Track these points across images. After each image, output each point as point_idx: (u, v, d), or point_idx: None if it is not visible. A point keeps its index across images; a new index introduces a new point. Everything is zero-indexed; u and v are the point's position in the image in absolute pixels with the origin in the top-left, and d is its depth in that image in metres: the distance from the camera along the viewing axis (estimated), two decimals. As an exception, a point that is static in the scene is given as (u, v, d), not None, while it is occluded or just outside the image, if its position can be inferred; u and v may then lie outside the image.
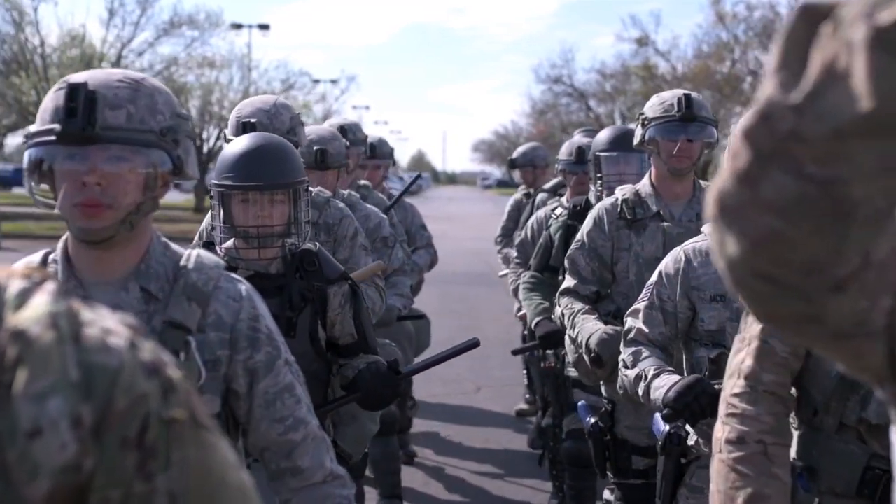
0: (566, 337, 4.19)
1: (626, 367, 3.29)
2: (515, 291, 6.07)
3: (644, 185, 4.11)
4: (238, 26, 43.39)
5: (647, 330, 3.29)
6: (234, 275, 2.24)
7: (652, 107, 4.07)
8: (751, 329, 2.40)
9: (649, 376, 3.17)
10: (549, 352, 5.48)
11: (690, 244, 3.29)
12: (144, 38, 36.16)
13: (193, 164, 2.14)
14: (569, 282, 4.18)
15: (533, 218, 6.29)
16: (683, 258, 3.26)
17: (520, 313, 8.13)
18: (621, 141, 4.78)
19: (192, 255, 2.19)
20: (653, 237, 4.02)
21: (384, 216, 4.98)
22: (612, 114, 47.60)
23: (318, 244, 3.33)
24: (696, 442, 3.24)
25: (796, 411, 2.53)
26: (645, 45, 42.98)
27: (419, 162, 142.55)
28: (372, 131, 7.07)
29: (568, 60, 66.18)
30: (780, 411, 2.39)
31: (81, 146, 2.00)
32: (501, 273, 8.26)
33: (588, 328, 3.95)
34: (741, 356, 2.41)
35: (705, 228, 3.21)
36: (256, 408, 2.23)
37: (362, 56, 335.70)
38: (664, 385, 3.08)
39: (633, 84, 45.32)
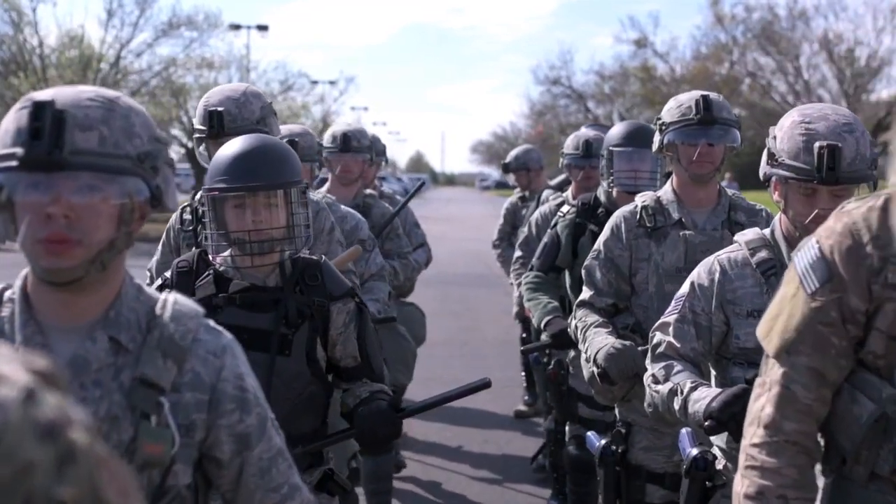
0: (560, 363, 4.01)
1: (656, 381, 3.05)
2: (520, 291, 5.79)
3: (666, 192, 3.90)
4: (237, 27, 43.37)
5: (678, 344, 3.05)
6: (214, 324, 1.96)
7: (669, 110, 3.85)
8: (771, 373, 2.20)
9: (685, 389, 2.93)
10: (552, 360, 5.38)
11: (725, 254, 3.06)
12: (143, 39, 36.11)
13: (173, 194, 1.89)
14: (585, 293, 3.95)
15: (536, 214, 6.05)
16: (718, 269, 3.03)
17: (516, 311, 8.19)
18: (635, 136, 4.61)
19: (168, 301, 1.91)
20: (674, 246, 3.79)
21: (362, 218, 4.83)
22: (610, 115, 47.60)
23: (323, 256, 3.16)
24: (725, 466, 3.05)
25: (823, 460, 2.30)
26: (643, 46, 43.02)
27: (418, 163, 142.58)
28: (370, 132, 6.86)
29: (566, 62, 66.30)
30: (803, 463, 2.19)
31: (47, 173, 1.73)
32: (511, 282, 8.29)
33: (597, 342, 3.73)
34: (761, 402, 2.20)
35: (739, 238, 3.07)
36: (250, 477, 2.00)
37: (360, 56, 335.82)
38: (706, 396, 2.84)
39: (631, 85, 45.38)
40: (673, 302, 3.12)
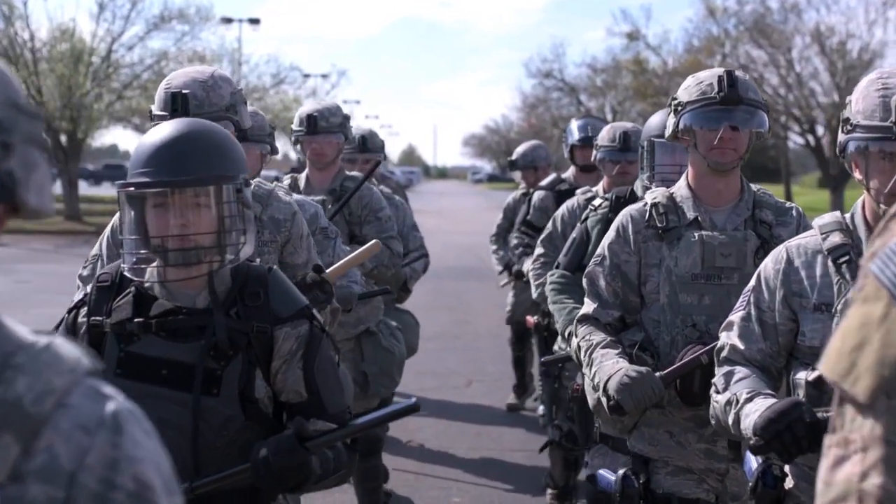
0: (583, 376, 3.49)
1: (716, 391, 2.71)
2: (541, 292, 5.26)
3: (679, 188, 3.39)
4: (228, 20, 43.27)
5: (742, 346, 2.70)
6: (101, 385, 1.19)
7: (687, 89, 3.33)
8: (861, 426, 1.58)
9: (741, 400, 2.59)
10: (561, 367, 5.11)
11: (795, 241, 2.69)
12: (134, 33, 35.96)
13: (41, 188, 1.21)
14: (587, 306, 3.43)
15: (563, 208, 5.46)
16: (785, 257, 2.67)
17: (508, 310, 8.11)
18: None
19: (34, 346, 1.15)
20: (689, 250, 3.27)
21: (319, 206, 4.39)
22: (602, 108, 47.65)
23: (274, 267, 2.64)
24: (795, 486, 2.68)
25: None
26: (636, 39, 42.98)
27: (410, 156, 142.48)
28: (363, 125, 6.78)
29: (559, 55, 66.28)
30: None
31: None
32: (503, 283, 8.19)
33: (606, 368, 3.23)
34: (855, 470, 1.59)
35: (815, 222, 2.68)
36: None
37: (352, 50, 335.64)
38: (756, 410, 2.50)
39: (623, 78, 45.35)
40: (741, 297, 2.77)
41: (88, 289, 2.64)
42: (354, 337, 5.25)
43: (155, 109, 3.44)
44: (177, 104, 3.35)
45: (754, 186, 3.42)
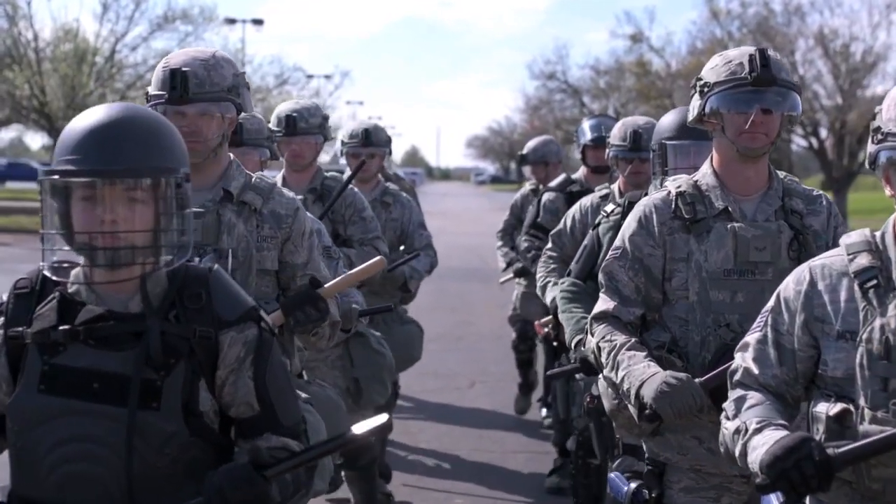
0: (601, 379, 3.29)
1: (726, 417, 2.47)
2: (544, 289, 5.14)
3: (705, 175, 3.16)
4: (232, 21, 43.32)
5: (756, 370, 2.46)
6: None
7: (714, 69, 3.11)
8: None
9: (750, 430, 2.35)
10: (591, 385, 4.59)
11: (819, 260, 2.43)
12: (138, 33, 36.01)
13: None
14: (605, 303, 3.18)
15: (577, 207, 5.18)
16: (808, 278, 2.40)
17: (512, 312, 7.92)
18: (693, 127, 3.84)
19: None
20: (720, 243, 3.06)
21: (321, 224, 4.09)
22: (606, 110, 47.59)
23: (215, 266, 2.37)
24: None
25: None
26: (639, 41, 42.98)
27: (413, 157, 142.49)
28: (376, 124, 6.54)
29: (562, 56, 66.17)
30: None
31: None
32: (502, 280, 8.04)
33: (638, 372, 2.99)
34: None
35: (843, 240, 2.42)
36: None
37: (354, 50, 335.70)
38: (764, 444, 2.27)
39: (627, 80, 45.35)
40: (758, 317, 2.52)
41: (5, 297, 2.35)
42: (342, 342, 4.85)
43: (151, 90, 3.22)
44: (175, 82, 3.13)
45: (780, 173, 3.22)
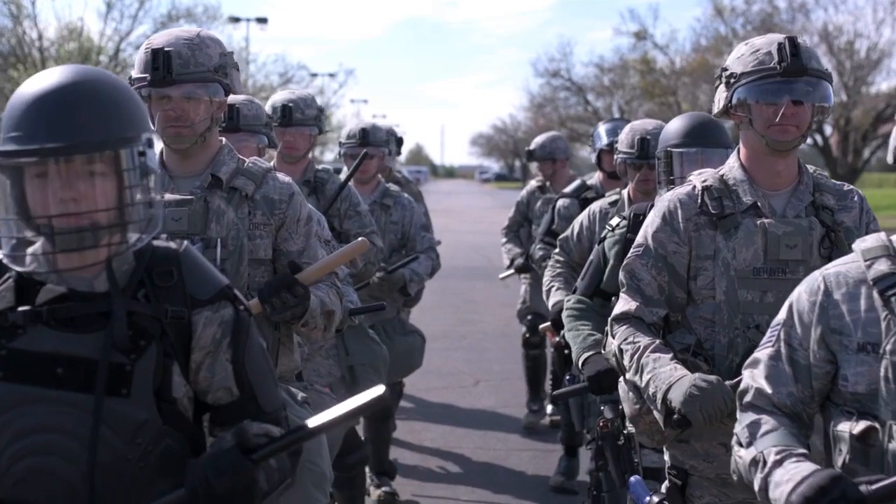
0: (622, 382, 3.12)
1: (739, 444, 2.27)
2: (549, 293, 4.95)
3: (731, 169, 3.02)
4: (236, 20, 43.36)
5: (770, 390, 2.26)
6: None
7: (741, 58, 2.96)
8: None
9: (769, 462, 2.15)
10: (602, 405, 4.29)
11: (833, 268, 2.24)
12: (142, 32, 35.97)
13: None
14: (626, 303, 3.03)
15: (584, 214, 4.94)
16: (822, 287, 2.22)
17: (521, 305, 7.71)
18: (701, 133, 3.75)
19: None
20: (749, 240, 2.92)
21: (322, 216, 3.98)
22: (610, 107, 47.60)
23: (185, 242, 2.19)
24: None
25: None
26: (643, 38, 42.96)
27: (417, 156, 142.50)
28: (384, 124, 6.38)
29: (566, 54, 66.18)
30: None
31: None
32: (502, 275, 7.97)
33: (664, 375, 2.84)
34: None
35: (857, 246, 2.25)
36: None
37: (359, 49, 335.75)
38: (789, 479, 2.06)
39: (631, 78, 45.33)
40: (768, 331, 2.34)
41: None
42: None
43: (134, 73, 3.07)
44: (158, 62, 2.99)
45: (809, 167, 3.08)
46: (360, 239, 3.32)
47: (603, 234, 3.99)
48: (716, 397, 2.77)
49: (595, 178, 6.10)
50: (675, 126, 3.81)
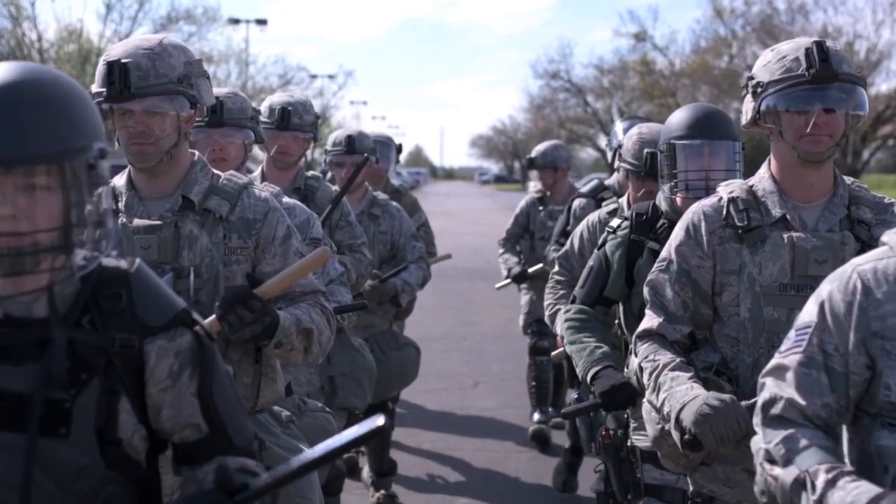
0: (645, 402, 2.93)
1: (771, 461, 2.04)
2: (553, 318, 4.56)
3: (761, 179, 2.87)
4: (235, 21, 43.42)
5: (802, 402, 2.04)
6: None
7: (767, 66, 2.81)
8: None
9: (820, 483, 1.90)
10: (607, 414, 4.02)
11: (869, 263, 2.05)
12: (142, 33, 36.06)
13: None
14: (650, 320, 2.90)
15: (582, 226, 4.64)
16: (859, 286, 2.02)
17: (525, 316, 7.41)
18: (706, 124, 3.51)
19: None
20: (776, 254, 2.76)
21: (313, 213, 3.82)
22: (609, 108, 47.66)
23: (137, 261, 1.93)
24: None
25: None
26: (643, 40, 43.04)
27: (417, 157, 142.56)
28: (370, 126, 6.35)
29: (565, 55, 66.30)
30: None
31: None
32: (498, 285, 7.81)
33: (680, 394, 2.69)
34: None
35: (889, 238, 2.09)
36: None
37: (358, 51, 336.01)
38: (853, 502, 1.84)
39: (630, 79, 45.40)
40: (792, 333, 2.11)
41: None
42: None
43: (94, 87, 2.84)
44: (114, 76, 2.75)
45: (847, 179, 2.92)
46: (320, 249, 3.07)
47: (602, 238, 3.77)
48: (728, 417, 2.61)
49: (613, 178, 5.81)
50: (678, 117, 3.58)
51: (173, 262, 2.84)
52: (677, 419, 2.67)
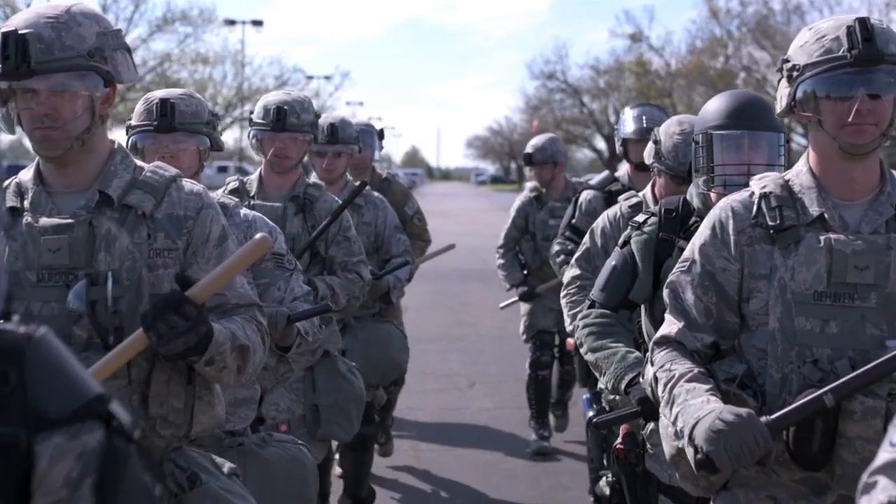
0: (661, 417, 2.58)
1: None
2: (575, 323, 3.94)
3: (799, 174, 2.52)
4: (231, 22, 43.45)
5: None
6: None
7: (804, 46, 2.46)
8: None
9: None
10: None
11: None
12: (138, 35, 36.03)
13: None
14: (669, 326, 2.58)
15: (603, 219, 4.22)
16: None
17: (525, 330, 7.11)
18: (747, 113, 3.19)
19: None
20: (811, 258, 2.41)
21: (276, 227, 3.55)
22: (605, 109, 47.71)
23: (42, 329, 1.30)
24: None
25: None
26: (639, 40, 43.07)
27: (413, 158, 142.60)
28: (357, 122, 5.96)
29: (562, 56, 66.29)
30: None
31: None
32: (502, 305, 7.64)
33: (694, 408, 2.37)
34: None
35: None
36: None
37: (355, 52, 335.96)
38: None
39: (626, 80, 45.43)
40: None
41: None
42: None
43: None
44: (9, 50, 2.34)
45: None
46: (259, 235, 2.46)
47: (626, 235, 3.42)
48: (744, 433, 2.29)
49: (622, 170, 5.60)
50: (715, 105, 3.24)
51: (87, 267, 2.43)
52: (690, 436, 2.35)
